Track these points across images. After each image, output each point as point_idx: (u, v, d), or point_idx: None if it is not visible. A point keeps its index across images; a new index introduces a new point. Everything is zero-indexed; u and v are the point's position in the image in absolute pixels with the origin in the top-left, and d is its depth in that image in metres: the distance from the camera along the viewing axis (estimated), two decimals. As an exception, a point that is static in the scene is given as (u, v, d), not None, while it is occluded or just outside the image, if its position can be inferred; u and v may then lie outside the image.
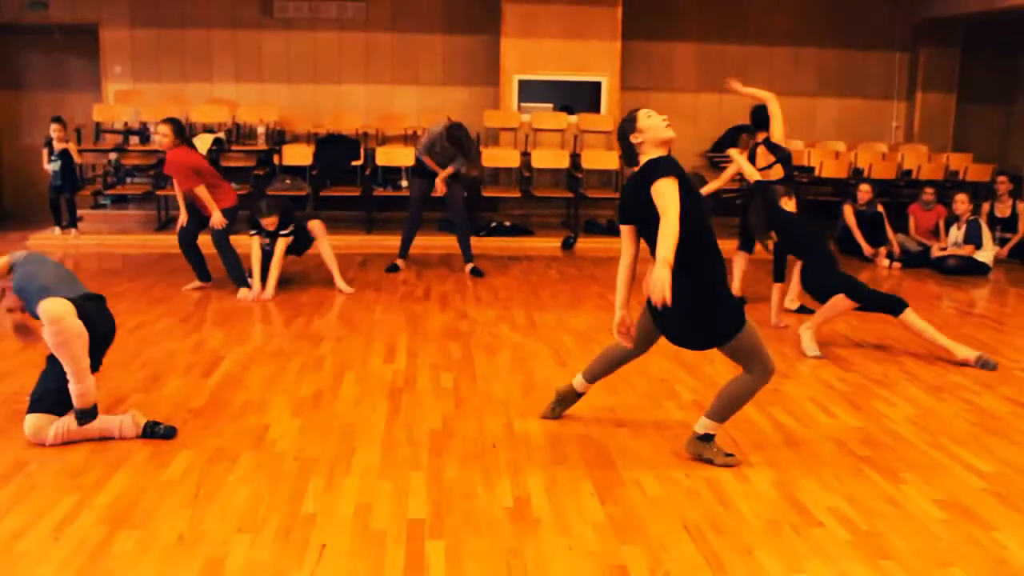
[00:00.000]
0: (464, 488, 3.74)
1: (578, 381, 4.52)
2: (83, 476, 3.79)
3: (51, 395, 4.12)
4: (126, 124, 11.11)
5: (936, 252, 9.34)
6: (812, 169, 10.82)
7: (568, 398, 4.56)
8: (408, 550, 3.22)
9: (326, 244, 7.56)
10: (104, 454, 4.01)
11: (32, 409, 4.12)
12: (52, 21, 11.49)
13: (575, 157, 10.84)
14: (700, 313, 3.85)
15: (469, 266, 8.47)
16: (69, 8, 11.44)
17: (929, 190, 9.97)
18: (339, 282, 7.57)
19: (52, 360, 4.12)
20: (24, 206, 11.44)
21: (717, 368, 5.54)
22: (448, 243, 9.45)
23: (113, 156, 10.90)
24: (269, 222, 7.27)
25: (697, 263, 3.80)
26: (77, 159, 10.06)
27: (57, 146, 9.86)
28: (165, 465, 3.92)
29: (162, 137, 7.20)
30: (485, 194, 10.57)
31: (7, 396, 4.77)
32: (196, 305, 7.07)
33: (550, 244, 10.16)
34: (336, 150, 10.47)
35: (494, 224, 10.44)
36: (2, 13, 11.42)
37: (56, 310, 3.93)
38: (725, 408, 4.02)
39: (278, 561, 3.13)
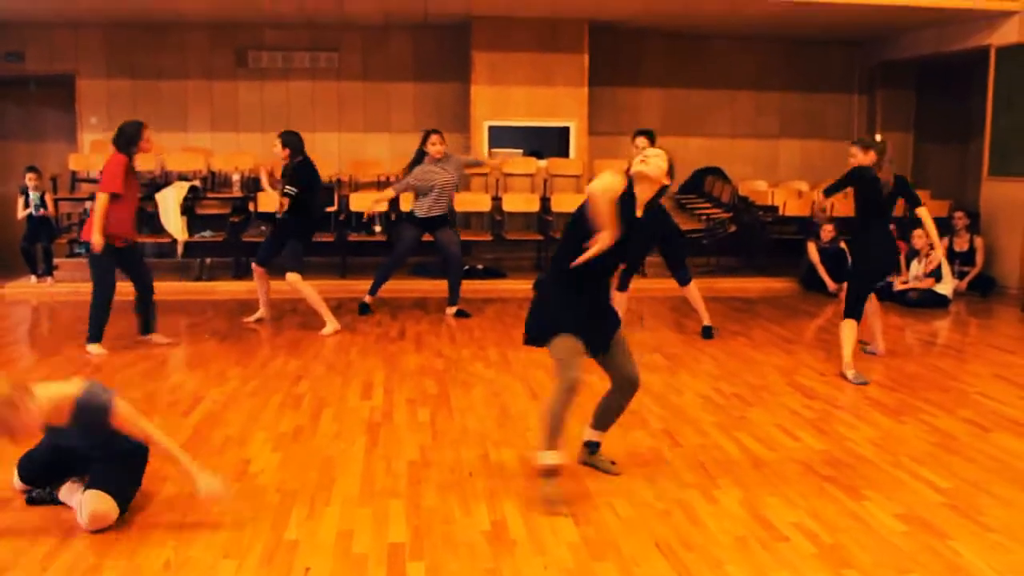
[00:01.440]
0: (442, 513, 3.85)
1: (587, 432, 4.45)
2: (69, 511, 3.86)
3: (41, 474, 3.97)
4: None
5: (898, 286, 9.57)
6: (776, 208, 11.09)
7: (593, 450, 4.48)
8: (389, 571, 3.32)
9: None
10: (89, 489, 4.09)
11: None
12: (28, 72, 11.62)
13: (545, 201, 11.06)
14: (533, 306, 4.16)
15: (454, 309, 8.57)
16: (46, 59, 11.58)
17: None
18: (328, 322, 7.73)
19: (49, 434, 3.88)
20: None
21: (685, 398, 5.70)
22: (421, 287, 9.62)
23: (88, 205, 10.98)
24: (279, 152, 7.56)
25: (565, 264, 3.98)
26: (50, 209, 10.15)
27: (34, 194, 9.98)
28: (150, 498, 4.01)
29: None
30: (458, 238, 10.73)
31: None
32: (173, 349, 7.15)
33: (522, 286, 10.28)
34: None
35: (467, 267, 10.59)
36: (-23, 65, 11.57)
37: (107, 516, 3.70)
38: (546, 426, 3.97)
39: (263, 584, 3.23)
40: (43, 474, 3.97)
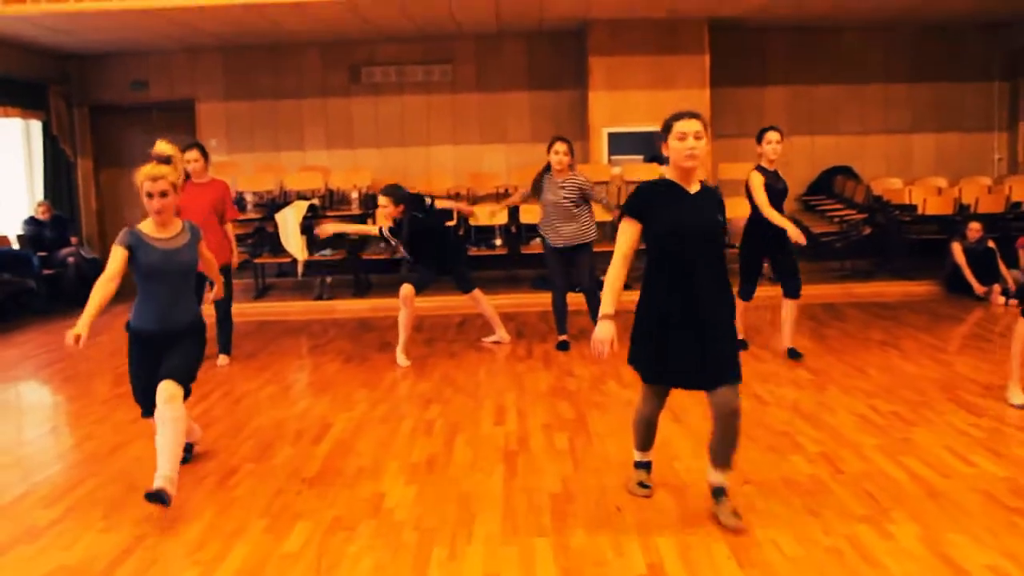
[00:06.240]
0: (593, 555, 3.57)
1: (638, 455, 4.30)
2: (202, 550, 3.73)
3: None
4: (222, 195, 11.34)
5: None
6: (915, 207, 10.47)
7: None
8: (542, 622, 3.07)
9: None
10: (221, 527, 3.95)
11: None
12: (152, 100, 11.86)
13: (668, 207, 10.67)
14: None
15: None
16: (167, 86, 11.79)
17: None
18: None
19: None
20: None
21: (839, 418, 5.29)
22: (543, 300, 9.32)
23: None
24: (384, 204, 6.87)
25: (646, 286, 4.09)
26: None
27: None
28: (283, 536, 3.85)
29: (194, 163, 7.01)
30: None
31: (121, 470, 4.78)
32: (297, 372, 7.08)
33: (647, 296, 9.96)
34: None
35: (603, 278, 10.30)
36: (106, 94, 11.85)
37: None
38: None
39: (408, 637, 3.01)
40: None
